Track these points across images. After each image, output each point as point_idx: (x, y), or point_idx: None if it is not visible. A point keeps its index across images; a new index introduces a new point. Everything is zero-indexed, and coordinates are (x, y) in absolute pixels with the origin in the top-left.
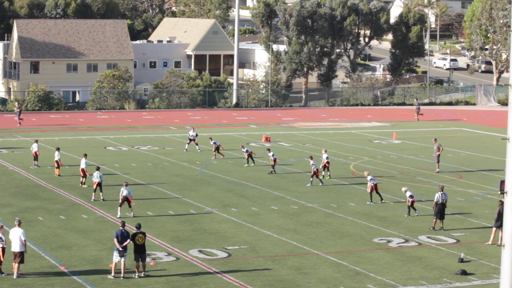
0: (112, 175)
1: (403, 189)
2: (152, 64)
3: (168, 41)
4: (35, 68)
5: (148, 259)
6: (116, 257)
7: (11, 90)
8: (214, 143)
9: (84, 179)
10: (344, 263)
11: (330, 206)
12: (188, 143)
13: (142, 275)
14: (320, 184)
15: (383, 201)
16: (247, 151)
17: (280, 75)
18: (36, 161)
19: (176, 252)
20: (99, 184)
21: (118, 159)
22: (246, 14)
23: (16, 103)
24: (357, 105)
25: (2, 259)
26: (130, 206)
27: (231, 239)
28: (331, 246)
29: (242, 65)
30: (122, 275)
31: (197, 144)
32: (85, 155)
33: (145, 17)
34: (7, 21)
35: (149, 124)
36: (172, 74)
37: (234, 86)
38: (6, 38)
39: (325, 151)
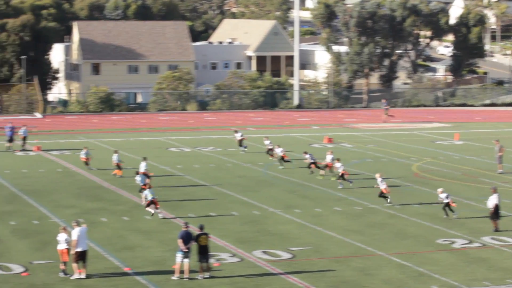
0: (175, 176)
1: (439, 190)
2: (213, 65)
3: (229, 43)
4: (96, 69)
5: (212, 260)
6: (180, 258)
7: (72, 91)
8: (271, 143)
9: (148, 179)
10: (408, 264)
11: (393, 207)
12: (240, 146)
13: (206, 276)
14: (350, 184)
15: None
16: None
17: (341, 76)
18: (88, 165)
19: (240, 253)
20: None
21: (180, 160)
22: (306, 15)
23: None
24: (418, 106)
25: (67, 260)
26: (157, 208)
27: (295, 240)
28: (395, 247)
29: (303, 66)
30: (186, 276)
31: (241, 145)
32: (145, 159)
33: (205, 18)
34: (68, 23)
35: (211, 125)
36: (234, 75)
37: (296, 87)
38: (67, 40)
39: (331, 152)
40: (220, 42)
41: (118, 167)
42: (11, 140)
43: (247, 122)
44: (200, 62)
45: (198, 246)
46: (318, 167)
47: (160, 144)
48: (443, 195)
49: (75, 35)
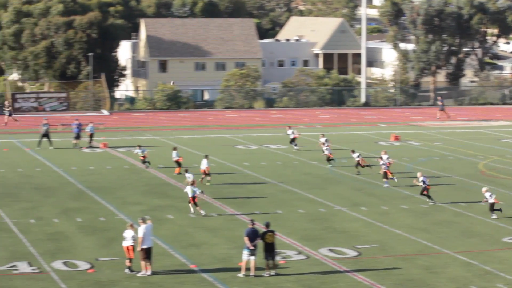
0: (241, 174)
1: (484, 189)
2: (280, 63)
3: (296, 40)
4: (163, 66)
5: (278, 258)
6: (246, 256)
7: (140, 89)
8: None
9: (209, 177)
10: (474, 262)
11: (459, 205)
12: (292, 142)
13: (272, 273)
14: (386, 185)
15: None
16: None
17: (408, 74)
18: (145, 163)
19: (306, 250)
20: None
21: (247, 157)
22: (373, 12)
23: (6, 102)
24: (485, 104)
25: (133, 257)
26: (197, 206)
27: (361, 238)
28: (461, 246)
29: (370, 64)
30: (252, 274)
31: (292, 143)
32: (206, 156)
33: (272, 16)
34: (135, 20)
35: (278, 123)
36: (301, 73)
37: (362, 85)
38: (134, 37)
39: (385, 152)
40: (287, 40)
41: (178, 163)
42: (78, 137)
43: (314, 120)
44: (267, 59)
45: (264, 243)
46: (363, 166)
47: (227, 142)
48: (487, 194)
49: (142, 32)
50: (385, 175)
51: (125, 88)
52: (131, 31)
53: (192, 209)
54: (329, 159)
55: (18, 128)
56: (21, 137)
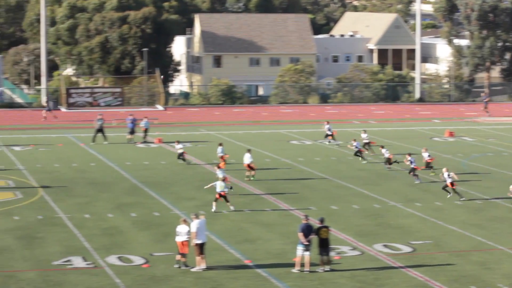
0: (296, 169)
1: (511, 187)
2: (335, 58)
3: (350, 36)
4: (217, 62)
5: (332, 253)
6: (300, 251)
7: (194, 84)
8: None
9: (253, 171)
10: None
11: None
12: (326, 137)
13: (327, 269)
14: (417, 181)
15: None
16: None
17: (462, 69)
18: (182, 159)
19: (360, 246)
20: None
21: (301, 153)
22: (427, 8)
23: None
24: None
25: (187, 252)
26: (227, 201)
27: (416, 233)
28: None
29: (424, 59)
30: (306, 269)
31: (334, 139)
32: (249, 150)
33: (326, 11)
34: (189, 15)
35: (333, 118)
36: (355, 68)
37: (417, 81)
38: (188, 33)
39: (425, 149)
40: (342, 35)
41: (223, 159)
42: (132, 132)
43: (369, 115)
44: (321, 55)
45: (319, 239)
46: (391, 163)
47: (282, 137)
48: None
49: (197, 28)
50: (413, 171)
51: (180, 83)
52: (185, 27)
53: (214, 207)
54: (356, 154)
55: (72, 123)
56: (76, 132)
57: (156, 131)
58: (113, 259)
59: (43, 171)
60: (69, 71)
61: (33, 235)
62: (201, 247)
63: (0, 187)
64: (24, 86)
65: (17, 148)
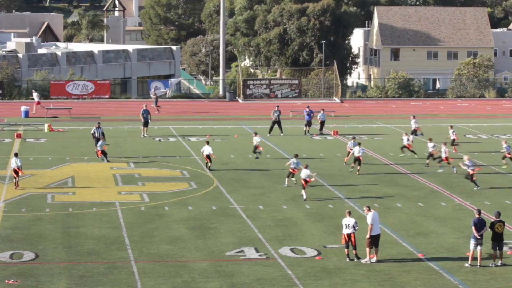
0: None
1: None
2: None
3: None
4: (395, 55)
5: (505, 248)
6: (473, 245)
7: (371, 77)
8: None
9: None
10: None
11: None
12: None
13: (499, 264)
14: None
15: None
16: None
17: None
18: (256, 153)
19: None
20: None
21: (477, 147)
22: None
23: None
24: None
25: (354, 243)
26: (304, 188)
27: None
28: None
29: None
30: (478, 264)
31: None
32: (430, 140)
33: (505, 5)
34: (368, 7)
35: (509, 113)
36: None
37: None
38: (367, 25)
39: (429, 140)
40: None
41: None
42: (309, 124)
43: None
44: (498, 49)
45: (493, 233)
46: (434, 158)
47: (458, 131)
48: None
49: (375, 20)
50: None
51: (357, 76)
52: (364, 19)
53: (304, 194)
54: (403, 147)
55: (249, 114)
56: (252, 123)
57: (332, 124)
58: (285, 251)
59: (218, 162)
60: (246, 62)
61: (206, 225)
62: (375, 239)
63: (175, 177)
64: (201, 77)
65: (193, 139)
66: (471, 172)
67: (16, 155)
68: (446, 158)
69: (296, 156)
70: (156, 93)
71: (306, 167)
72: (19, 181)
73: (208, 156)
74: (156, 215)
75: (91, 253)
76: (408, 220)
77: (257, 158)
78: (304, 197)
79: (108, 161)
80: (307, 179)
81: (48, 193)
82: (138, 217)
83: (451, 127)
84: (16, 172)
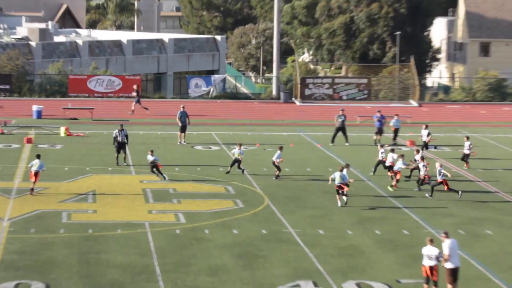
0: None
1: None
2: None
3: None
4: (485, 50)
5: None
6: None
7: (456, 76)
8: None
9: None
10: None
11: None
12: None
13: None
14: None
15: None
16: None
17: None
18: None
19: None
20: None
21: None
22: None
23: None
24: None
25: (436, 279)
26: (343, 195)
27: None
28: None
29: None
30: None
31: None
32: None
33: None
34: None
35: None
36: None
37: None
38: (450, 14)
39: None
40: None
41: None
42: (380, 132)
43: None
44: None
45: None
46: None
47: None
48: None
49: (461, 8)
50: None
51: (438, 75)
52: (447, 7)
53: (339, 202)
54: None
55: (307, 120)
56: (311, 130)
57: (408, 132)
58: (351, 285)
59: (270, 176)
60: (305, 56)
61: (254, 253)
62: (454, 273)
63: (218, 193)
64: (250, 74)
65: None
66: None
67: (38, 156)
68: None
69: (346, 166)
70: (136, 88)
71: (344, 168)
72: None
73: (237, 160)
74: (194, 240)
75: (114, 285)
76: (500, 250)
77: (242, 173)
78: (339, 203)
79: (165, 177)
80: (341, 184)
81: (63, 210)
82: (172, 241)
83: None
84: (32, 176)
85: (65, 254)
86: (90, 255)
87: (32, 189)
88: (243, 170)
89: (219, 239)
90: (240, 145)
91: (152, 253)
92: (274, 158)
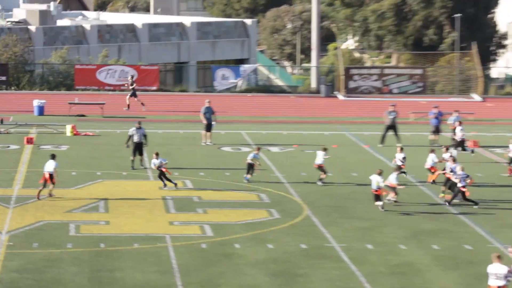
0: None
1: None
2: None
3: None
4: None
5: None
6: None
7: None
8: None
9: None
10: None
11: None
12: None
13: None
14: None
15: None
16: None
17: None
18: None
19: None
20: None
21: None
22: None
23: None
24: None
25: None
26: (380, 200)
27: None
28: None
29: None
30: None
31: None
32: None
33: None
34: None
35: None
36: None
37: None
38: None
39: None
40: None
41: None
42: (437, 130)
43: None
44: None
45: None
46: None
47: None
48: None
49: None
50: None
51: (505, 64)
52: None
53: (380, 206)
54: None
55: (353, 117)
56: (356, 128)
57: (470, 131)
58: None
59: (310, 182)
60: (349, 43)
61: (293, 271)
62: None
63: (250, 202)
64: (286, 63)
65: (274, 149)
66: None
67: (53, 157)
68: None
69: (379, 173)
70: (131, 80)
71: (380, 174)
72: (44, 191)
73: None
74: (222, 256)
75: None
76: None
77: (247, 180)
78: (380, 208)
79: (165, 185)
80: (377, 189)
81: (70, 221)
82: (197, 257)
83: None
84: (47, 178)
85: (74, 273)
86: (103, 273)
87: (50, 195)
88: (247, 179)
89: (251, 255)
90: (259, 148)
91: (174, 271)
92: (318, 162)
